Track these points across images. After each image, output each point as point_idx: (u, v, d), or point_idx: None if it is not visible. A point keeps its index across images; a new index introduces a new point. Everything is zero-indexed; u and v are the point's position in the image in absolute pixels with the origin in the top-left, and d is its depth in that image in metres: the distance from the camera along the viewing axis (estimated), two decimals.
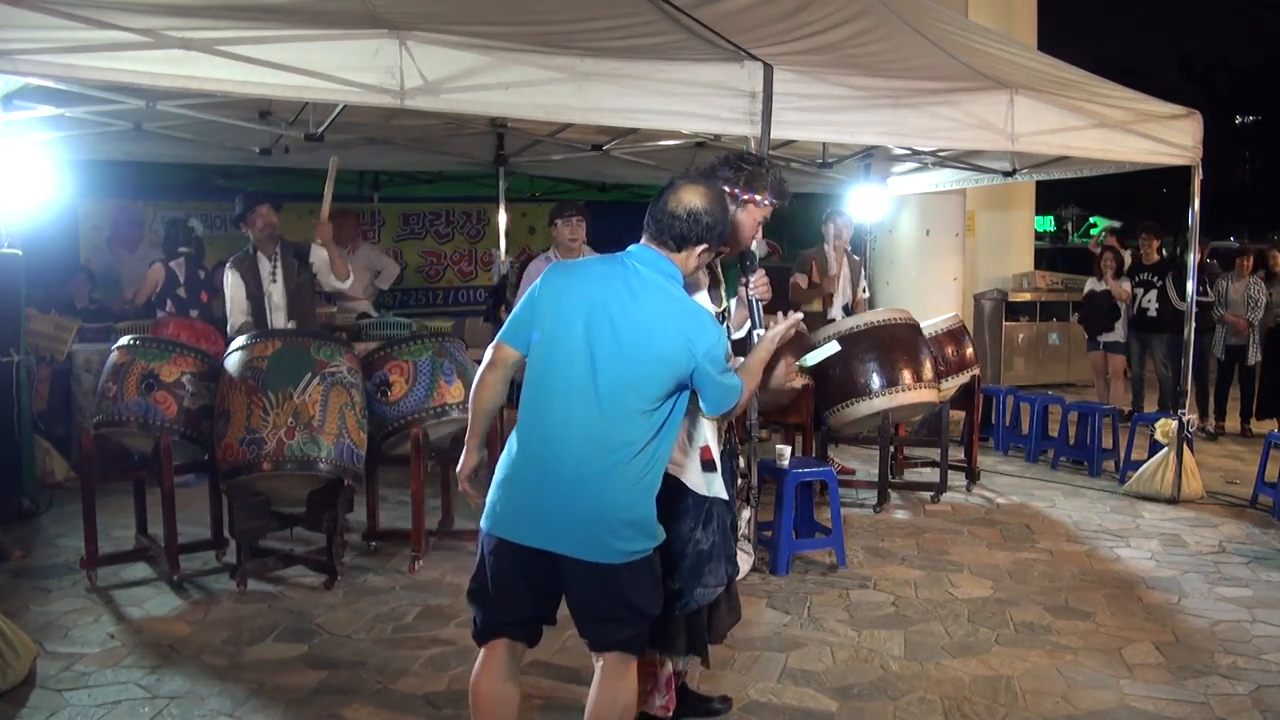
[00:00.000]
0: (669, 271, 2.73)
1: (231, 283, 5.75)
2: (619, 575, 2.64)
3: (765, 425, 6.57)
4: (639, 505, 2.66)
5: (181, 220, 8.21)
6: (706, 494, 3.12)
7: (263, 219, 5.69)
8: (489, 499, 2.73)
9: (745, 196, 3.16)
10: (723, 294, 3.31)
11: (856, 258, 7.36)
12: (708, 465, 3.12)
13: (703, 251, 2.77)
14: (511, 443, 2.72)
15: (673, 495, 3.01)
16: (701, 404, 2.74)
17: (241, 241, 6.05)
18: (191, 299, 7.21)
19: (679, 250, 2.74)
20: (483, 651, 2.81)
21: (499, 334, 2.80)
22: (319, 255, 5.81)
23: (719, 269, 3.30)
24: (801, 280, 7.01)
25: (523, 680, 3.69)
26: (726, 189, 3.08)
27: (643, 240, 2.79)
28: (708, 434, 3.11)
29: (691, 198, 2.73)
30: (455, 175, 9.84)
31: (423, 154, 8.16)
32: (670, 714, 3.31)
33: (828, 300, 7.04)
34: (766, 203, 3.19)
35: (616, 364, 2.60)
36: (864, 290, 7.35)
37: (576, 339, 2.63)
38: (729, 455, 3.32)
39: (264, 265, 5.70)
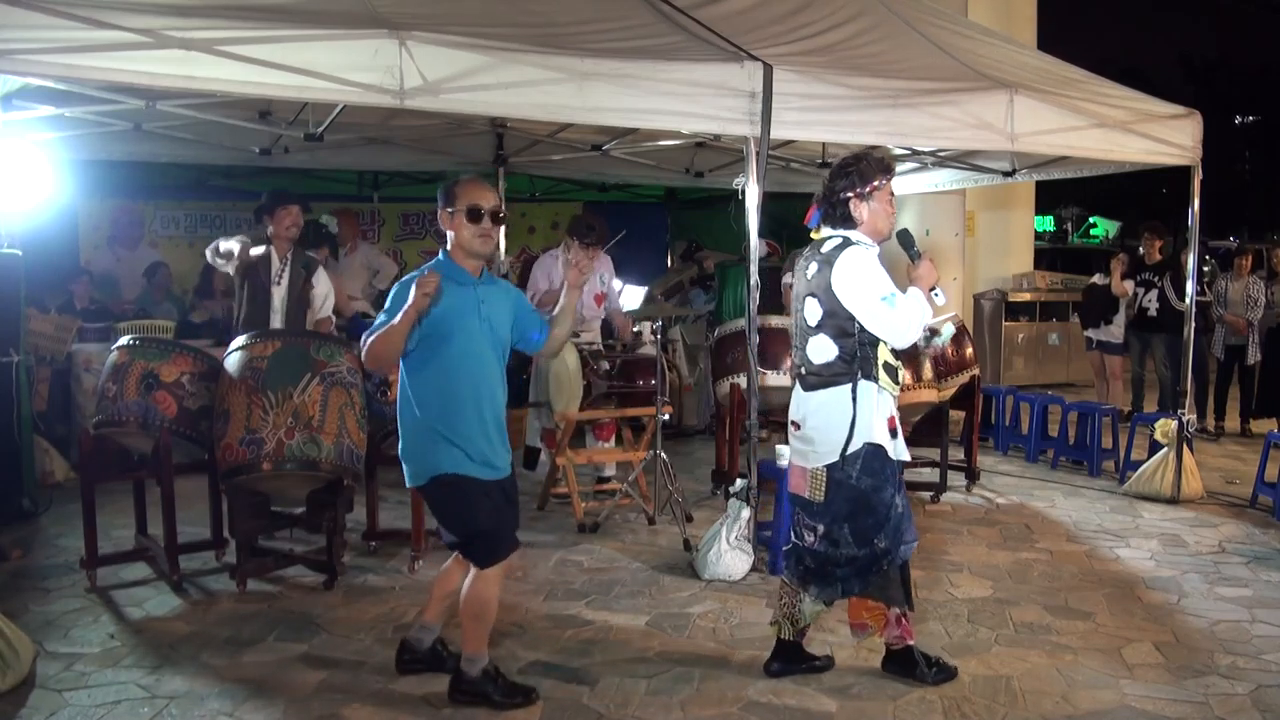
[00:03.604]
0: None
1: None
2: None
3: (765, 425, 6.58)
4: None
5: (313, 222, 8.21)
6: (895, 459, 3.63)
7: (291, 219, 5.67)
8: (454, 453, 3.43)
9: (868, 189, 3.62)
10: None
11: None
12: (893, 434, 3.62)
13: (453, 216, 3.51)
14: (451, 411, 3.43)
15: (879, 464, 3.58)
16: (533, 335, 3.68)
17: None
18: None
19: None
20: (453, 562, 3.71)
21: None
22: (323, 284, 5.82)
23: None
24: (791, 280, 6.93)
25: (524, 679, 3.71)
26: (851, 194, 3.62)
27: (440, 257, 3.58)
28: (890, 406, 3.62)
29: None
30: (455, 175, 9.84)
31: (423, 154, 8.15)
32: (913, 639, 3.84)
33: None
34: (884, 182, 3.65)
35: (494, 341, 3.52)
36: None
37: (468, 338, 3.45)
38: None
39: (274, 263, 5.69)
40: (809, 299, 3.67)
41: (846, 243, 3.61)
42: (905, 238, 3.78)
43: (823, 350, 3.62)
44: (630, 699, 3.67)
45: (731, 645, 4.16)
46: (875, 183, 3.62)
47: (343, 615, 4.49)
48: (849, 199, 3.64)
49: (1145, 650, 4.16)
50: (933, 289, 3.65)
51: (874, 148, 3.80)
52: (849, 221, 3.66)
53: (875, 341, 3.58)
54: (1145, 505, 6.51)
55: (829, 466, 3.61)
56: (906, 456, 3.69)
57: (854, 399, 3.57)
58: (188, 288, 9.69)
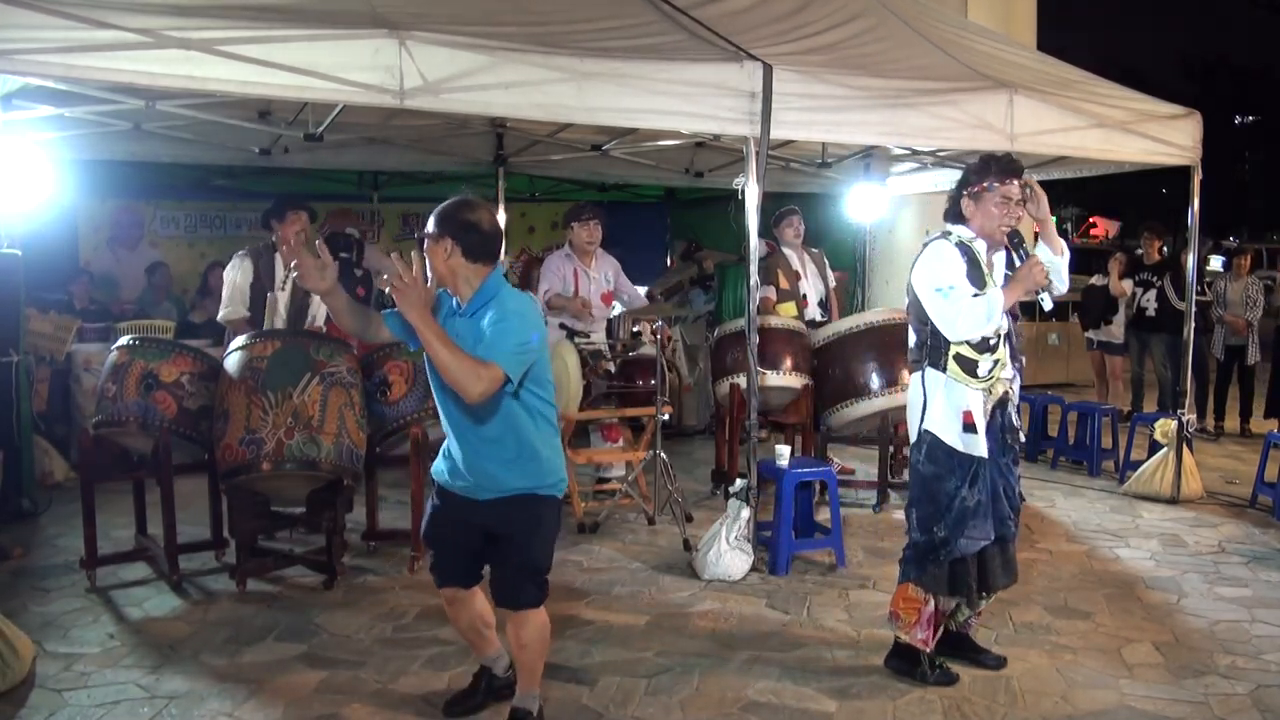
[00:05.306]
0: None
1: (240, 270, 5.53)
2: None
3: (765, 425, 6.57)
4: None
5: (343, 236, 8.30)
6: (966, 452, 3.62)
7: (299, 225, 5.43)
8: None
9: (977, 189, 3.66)
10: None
11: (815, 250, 7.28)
12: (968, 428, 3.62)
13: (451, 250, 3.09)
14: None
15: (942, 454, 3.64)
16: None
17: (233, 243, 5.91)
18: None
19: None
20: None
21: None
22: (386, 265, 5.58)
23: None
24: (772, 294, 6.77)
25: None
26: (964, 191, 3.69)
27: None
28: (970, 400, 3.62)
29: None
30: (455, 175, 9.85)
31: (423, 154, 8.15)
32: (929, 648, 3.79)
33: (803, 302, 6.91)
34: (995, 184, 3.62)
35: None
36: (833, 280, 7.27)
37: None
38: (1004, 428, 3.72)
39: (279, 270, 5.57)
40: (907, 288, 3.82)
41: (943, 235, 3.72)
42: (1014, 237, 3.77)
43: (910, 337, 3.80)
44: (630, 699, 3.68)
45: (731, 645, 4.16)
46: (985, 183, 3.66)
47: (343, 615, 4.49)
48: (960, 196, 3.74)
49: (1145, 650, 4.16)
50: (1038, 293, 3.66)
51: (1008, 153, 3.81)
52: (959, 217, 3.75)
53: None
54: (1145, 505, 6.51)
55: (910, 448, 3.83)
56: (981, 451, 3.62)
57: (923, 386, 3.69)
58: (188, 288, 9.69)
